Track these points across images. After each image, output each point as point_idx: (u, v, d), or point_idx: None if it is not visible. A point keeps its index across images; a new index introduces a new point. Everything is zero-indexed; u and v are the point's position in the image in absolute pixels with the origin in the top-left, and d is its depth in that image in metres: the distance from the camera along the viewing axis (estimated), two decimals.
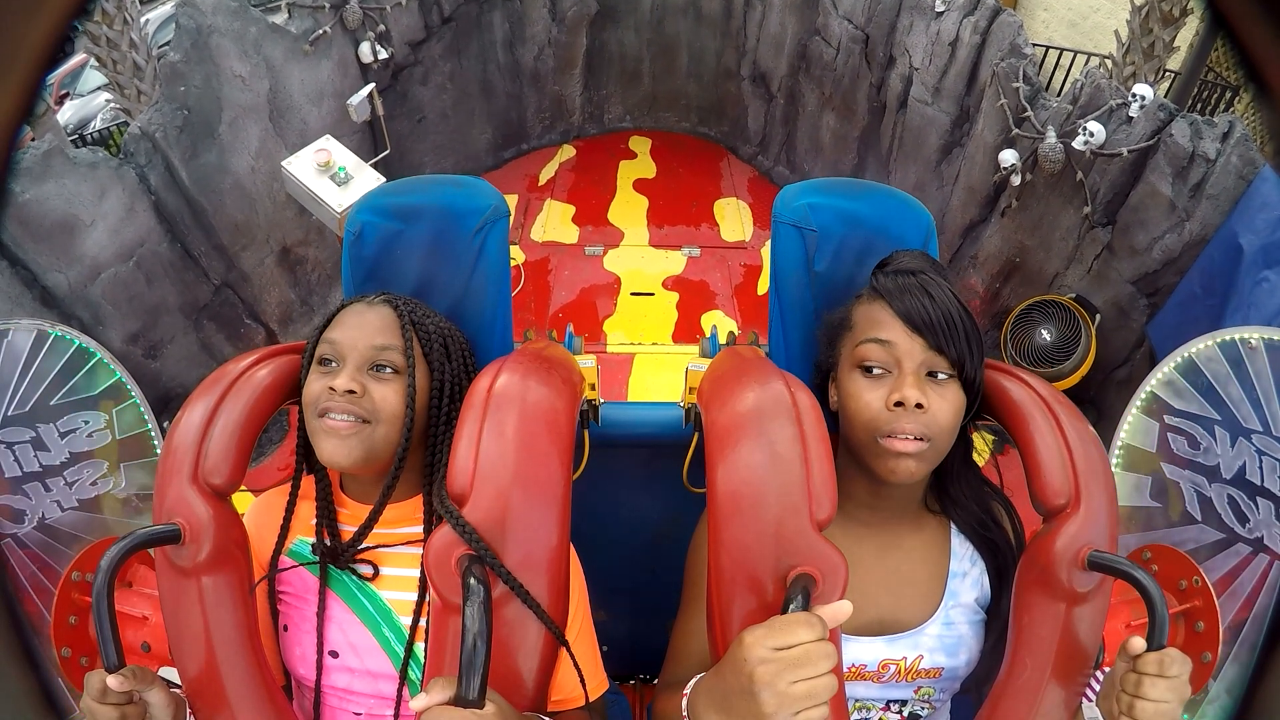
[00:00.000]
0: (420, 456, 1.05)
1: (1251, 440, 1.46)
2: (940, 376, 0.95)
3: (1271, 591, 1.40)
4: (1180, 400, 1.56)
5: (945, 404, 0.94)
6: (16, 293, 3.31)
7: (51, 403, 1.74)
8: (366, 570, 1.03)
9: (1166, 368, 1.57)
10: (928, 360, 0.95)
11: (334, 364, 1.00)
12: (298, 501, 1.08)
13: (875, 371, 0.96)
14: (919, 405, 0.92)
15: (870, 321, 0.99)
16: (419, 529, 1.03)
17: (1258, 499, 1.45)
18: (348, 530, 1.05)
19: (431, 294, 1.22)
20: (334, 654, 1.02)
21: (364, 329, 1.01)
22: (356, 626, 1.02)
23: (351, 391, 0.96)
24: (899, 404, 0.92)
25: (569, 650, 0.93)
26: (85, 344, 1.79)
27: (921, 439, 0.92)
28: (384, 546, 1.04)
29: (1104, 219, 3.81)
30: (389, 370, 1.00)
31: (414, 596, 1.01)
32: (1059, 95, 3.85)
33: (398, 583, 1.03)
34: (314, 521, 1.05)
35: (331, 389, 0.96)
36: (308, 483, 1.09)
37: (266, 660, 0.93)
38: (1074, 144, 3.61)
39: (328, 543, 1.04)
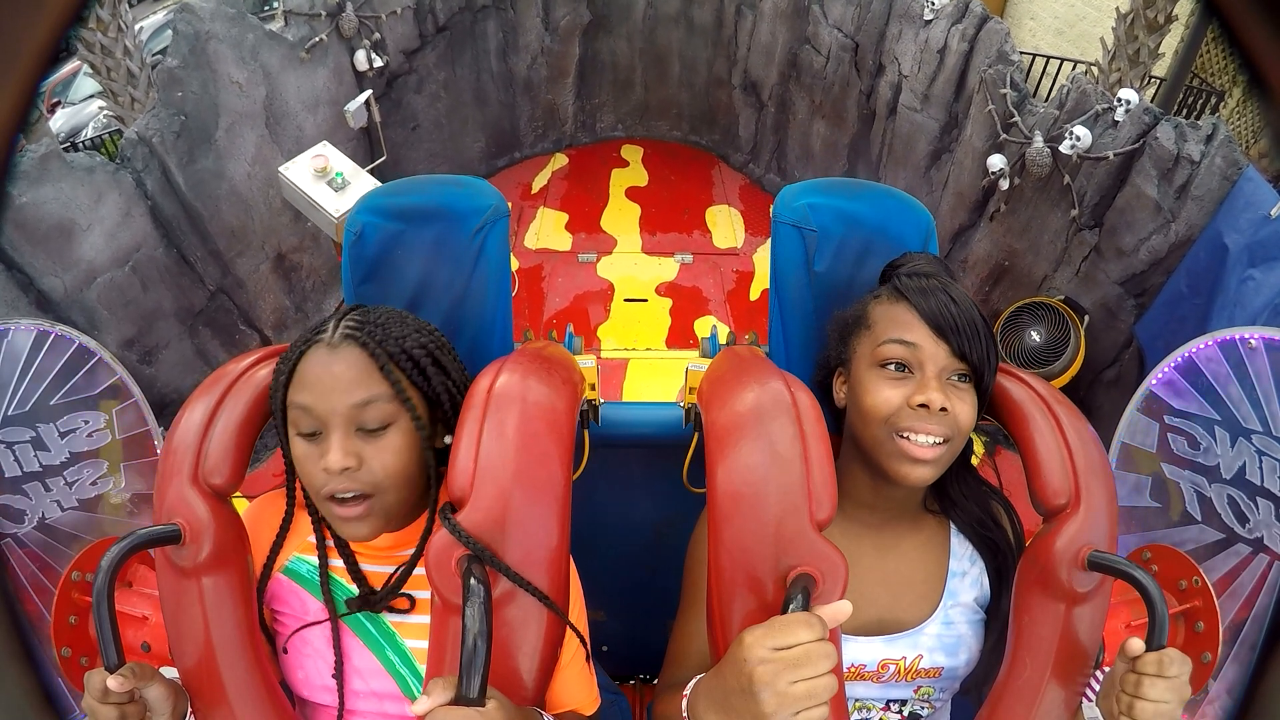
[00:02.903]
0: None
1: (1251, 440, 1.46)
2: (960, 380, 0.95)
3: (1271, 591, 1.39)
4: (1180, 400, 1.54)
5: (965, 406, 0.94)
6: (13, 296, 3.29)
7: (51, 402, 1.72)
8: (404, 602, 0.99)
9: (1166, 368, 1.56)
10: (950, 365, 0.94)
11: (316, 433, 0.89)
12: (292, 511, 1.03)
13: (898, 370, 0.96)
14: (943, 409, 0.92)
15: (893, 322, 0.98)
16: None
17: (1258, 499, 1.44)
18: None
19: (431, 295, 1.21)
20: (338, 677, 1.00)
21: (337, 385, 0.88)
22: (360, 649, 1.00)
23: (348, 468, 0.87)
24: (923, 406, 0.92)
25: (574, 629, 0.91)
26: (86, 343, 1.77)
27: (942, 441, 0.92)
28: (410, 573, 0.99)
29: (1091, 221, 3.86)
30: (379, 427, 0.90)
31: (408, 619, 0.99)
32: (1045, 101, 3.91)
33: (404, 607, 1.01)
34: (310, 538, 1.01)
35: (326, 470, 0.87)
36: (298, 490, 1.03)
37: (266, 660, 0.92)
38: (1061, 148, 3.67)
39: (358, 593, 0.98)
